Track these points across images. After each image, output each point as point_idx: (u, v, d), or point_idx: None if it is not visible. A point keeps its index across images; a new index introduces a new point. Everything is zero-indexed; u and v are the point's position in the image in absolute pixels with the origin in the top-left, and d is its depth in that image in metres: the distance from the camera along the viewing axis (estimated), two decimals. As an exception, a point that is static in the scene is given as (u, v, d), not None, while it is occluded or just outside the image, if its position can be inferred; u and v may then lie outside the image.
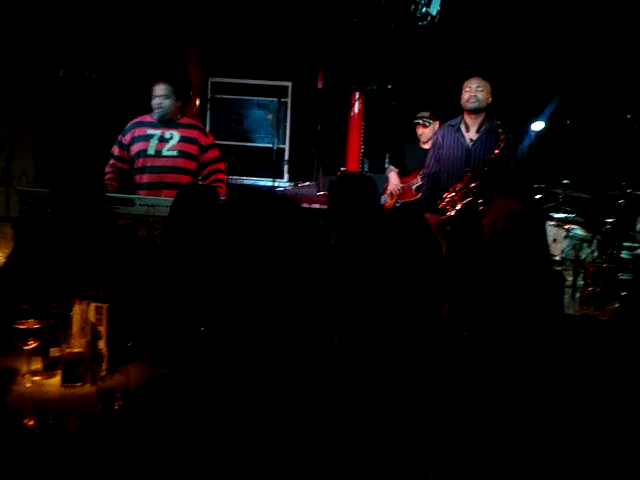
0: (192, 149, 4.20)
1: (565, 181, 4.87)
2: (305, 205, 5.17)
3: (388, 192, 5.30)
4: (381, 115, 6.16)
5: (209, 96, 6.20)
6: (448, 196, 4.16)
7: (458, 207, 4.10)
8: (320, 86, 6.09)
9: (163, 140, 4.17)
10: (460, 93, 4.18)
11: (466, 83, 4.16)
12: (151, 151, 4.16)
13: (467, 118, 4.21)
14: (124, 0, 5.37)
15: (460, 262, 4.16)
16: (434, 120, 5.08)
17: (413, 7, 4.46)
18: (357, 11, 5.22)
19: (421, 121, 5.11)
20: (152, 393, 1.46)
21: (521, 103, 5.86)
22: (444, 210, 4.17)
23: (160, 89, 4.15)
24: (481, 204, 3.94)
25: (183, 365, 1.69)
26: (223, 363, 1.74)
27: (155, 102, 4.15)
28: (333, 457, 1.50)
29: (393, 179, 5.26)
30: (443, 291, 2.14)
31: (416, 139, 5.28)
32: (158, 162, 4.16)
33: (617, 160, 4.81)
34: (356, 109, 6.01)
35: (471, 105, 4.12)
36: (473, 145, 4.16)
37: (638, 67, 5.63)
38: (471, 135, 4.19)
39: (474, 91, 4.09)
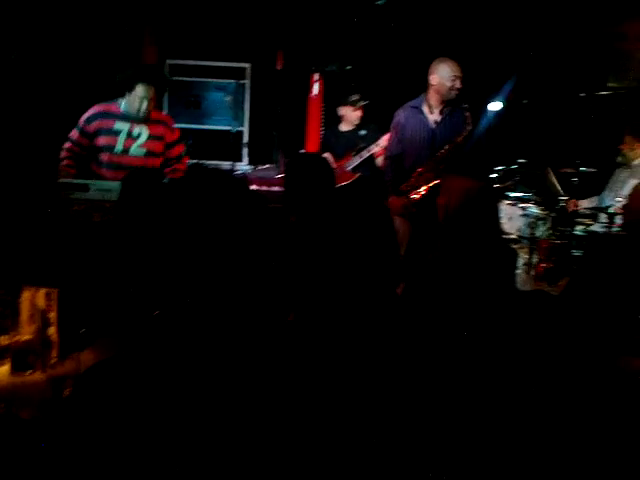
0: (158, 147, 4.17)
1: (521, 160, 4.94)
2: (265, 188, 5.15)
3: None
4: (341, 96, 6.13)
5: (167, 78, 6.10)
6: (413, 178, 4.15)
7: (423, 190, 4.11)
8: (279, 67, 6.04)
9: (131, 137, 4.10)
10: (419, 73, 4.16)
11: (446, 67, 4.05)
12: (119, 147, 4.08)
13: (432, 100, 4.16)
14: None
15: (424, 243, 4.20)
16: (364, 102, 5.16)
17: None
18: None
19: (359, 103, 5.14)
20: (98, 378, 1.45)
21: (479, 83, 5.91)
22: (409, 192, 4.17)
23: (144, 90, 4.04)
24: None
25: (132, 348, 1.68)
26: (176, 344, 1.74)
27: (138, 104, 4.04)
28: (284, 437, 1.52)
29: (328, 160, 5.28)
30: (397, 270, 2.17)
31: (335, 124, 5.35)
32: (125, 160, 4.08)
33: (571, 139, 4.89)
34: (315, 90, 5.98)
35: (452, 96, 4.08)
36: (437, 126, 4.15)
37: (590, 47, 5.72)
38: (434, 116, 4.17)
39: (459, 82, 4.04)
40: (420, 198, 4.13)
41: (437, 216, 3.58)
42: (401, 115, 4.28)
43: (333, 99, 6.09)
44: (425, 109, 4.17)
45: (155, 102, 4.31)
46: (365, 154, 4.97)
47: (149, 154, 4.12)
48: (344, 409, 1.76)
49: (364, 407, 1.80)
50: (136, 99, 4.05)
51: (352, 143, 5.18)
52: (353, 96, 5.22)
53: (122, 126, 4.09)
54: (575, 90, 4.79)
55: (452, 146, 4.04)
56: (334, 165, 5.22)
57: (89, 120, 4.10)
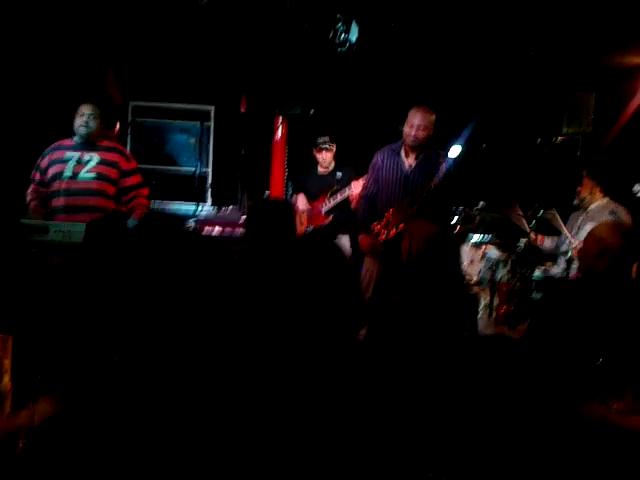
0: (112, 173, 4.13)
1: (481, 203, 5.03)
2: (229, 229, 5.14)
3: (297, 217, 5.32)
4: (305, 138, 6.21)
5: (130, 120, 6.11)
6: (384, 219, 4.23)
7: (393, 232, 4.17)
8: (243, 110, 6.11)
9: (81, 162, 4.09)
10: (385, 116, 4.26)
11: (411, 115, 4.16)
12: (68, 173, 4.06)
13: (406, 145, 4.27)
14: (42, 21, 5.23)
15: (389, 285, 4.23)
16: (333, 143, 5.21)
17: (332, 33, 4.55)
18: (278, 36, 5.27)
19: (325, 145, 5.20)
20: (54, 432, 1.42)
21: (440, 128, 6.05)
22: (379, 233, 4.23)
23: (86, 109, 4.10)
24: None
25: (89, 398, 1.65)
26: (136, 390, 1.71)
27: (80, 121, 4.09)
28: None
29: (301, 203, 5.30)
30: (358, 315, 2.17)
31: (310, 165, 5.37)
32: (75, 185, 4.07)
33: (529, 182, 5.02)
34: (279, 133, 6.07)
35: (409, 143, 4.19)
36: (411, 171, 4.24)
37: (546, 95, 5.93)
38: (410, 161, 4.26)
39: (415, 130, 4.13)
40: (388, 239, 4.18)
41: (401, 259, 3.64)
42: (379, 156, 4.39)
43: (297, 142, 6.17)
44: (402, 153, 4.28)
45: (110, 132, 4.32)
46: (339, 197, 4.99)
47: (100, 178, 4.08)
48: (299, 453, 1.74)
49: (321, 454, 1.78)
50: (80, 119, 4.09)
51: (327, 185, 5.21)
52: (321, 138, 5.26)
53: (72, 154, 4.11)
54: (532, 136, 4.93)
55: (424, 191, 4.10)
56: (308, 206, 5.25)
57: (43, 156, 4.15)
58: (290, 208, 2.92)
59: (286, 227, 2.77)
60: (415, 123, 4.12)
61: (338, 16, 4.60)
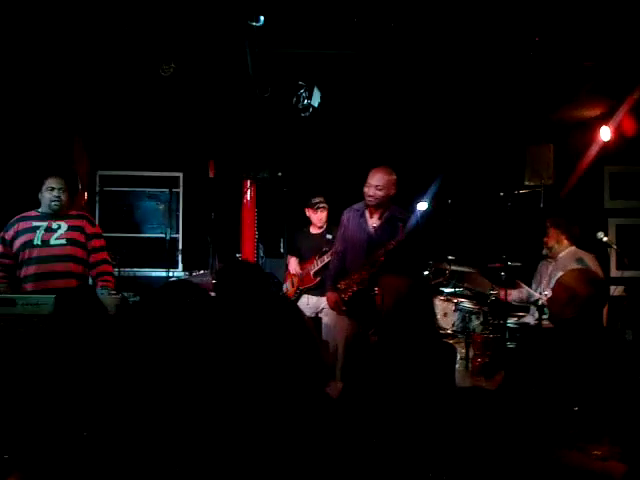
0: (79, 237, 4.19)
1: (450, 257, 5.09)
2: (200, 294, 5.10)
3: (288, 280, 5.38)
4: (274, 201, 6.28)
5: (97, 189, 6.13)
6: (348, 278, 4.29)
7: (354, 290, 4.23)
8: (212, 175, 6.17)
9: (50, 230, 4.12)
10: (351, 176, 4.37)
11: (369, 176, 4.27)
12: (37, 241, 4.08)
13: (368, 206, 4.36)
14: (8, 91, 5.28)
15: (356, 342, 4.23)
16: (326, 204, 5.30)
17: (295, 99, 4.67)
18: (243, 102, 5.39)
19: (322, 204, 5.29)
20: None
21: (407, 184, 6.17)
22: (342, 290, 4.29)
23: (55, 183, 4.15)
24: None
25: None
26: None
27: (51, 196, 4.12)
28: None
29: (292, 266, 5.37)
30: (319, 371, 2.15)
31: (305, 226, 5.44)
32: (45, 252, 4.08)
33: (495, 236, 5.10)
34: (248, 196, 6.12)
35: (368, 202, 4.29)
36: (375, 231, 4.32)
37: (508, 148, 6.11)
38: (374, 221, 4.36)
39: (372, 190, 4.23)
40: (350, 296, 4.24)
41: (373, 314, 3.65)
42: (345, 216, 4.51)
43: (266, 204, 6.23)
44: (366, 213, 4.36)
45: (77, 201, 4.34)
46: (325, 259, 5.03)
47: (70, 243, 4.12)
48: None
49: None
50: (47, 192, 4.12)
51: (318, 245, 5.25)
52: (315, 198, 5.33)
53: (40, 223, 4.13)
54: (496, 190, 5.06)
55: (383, 252, 4.16)
56: (299, 269, 5.28)
57: (7, 227, 4.15)
58: (259, 270, 2.94)
59: (254, 287, 2.77)
60: (372, 183, 4.23)
61: (300, 82, 4.73)
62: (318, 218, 5.33)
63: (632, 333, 4.11)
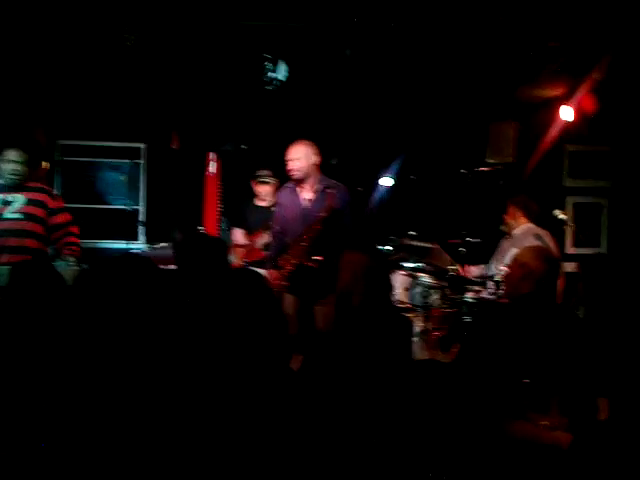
0: (39, 212, 4.08)
1: (412, 232, 5.16)
2: (162, 267, 5.07)
3: (233, 252, 5.30)
4: (237, 174, 6.24)
5: (58, 159, 6.02)
6: (286, 254, 4.31)
7: (293, 263, 4.25)
8: (175, 147, 6.09)
9: (6, 203, 4.04)
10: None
11: (286, 152, 4.35)
12: None
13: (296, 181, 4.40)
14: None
15: (303, 314, 4.28)
16: (274, 178, 5.26)
17: (259, 72, 4.64)
18: (208, 73, 5.33)
19: (266, 179, 5.26)
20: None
21: (371, 160, 6.21)
22: (282, 267, 4.30)
23: (13, 155, 4.06)
24: (315, 260, 4.14)
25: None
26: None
27: (8, 168, 4.04)
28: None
29: (239, 238, 5.31)
30: (284, 347, 2.18)
31: (251, 198, 5.40)
32: (0, 225, 3.99)
33: (457, 212, 5.18)
34: (212, 169, 6.07)
35: (292, 177, 4.34)
36: (309, 204, 4.35)
37: (469, 126, 6.17)
38: (305, 195, 4.38)
39: (291, 164, 4.29)
40: (290, 271, 4.25)
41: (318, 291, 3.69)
42: (279, 194, 4.57)
43: (230, 177, 6.19)
44: (298, 188, 4.39)
45: (37, 172, 4.27)
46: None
47: (27, 218, 4.05)
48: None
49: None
50: (5, 163, 4.04)
51: (265, 219, 5.21)
52: (261, 171, 5.29)
53: None
54: (457, 167, 5.13)
55: (316, 223, 4.21)
56: (245, 241, 5.23)
57: None
58: (218, 243, 2.94)
59: (217, 261, 2.78)
60: (289, 157, 4.31)
61: (265, 55, 4.70)
62: (262, 191, 5.30)
63: (584, 309, 4.24)
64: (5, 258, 3.85)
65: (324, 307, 4.13)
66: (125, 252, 5.69)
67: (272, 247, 4.59)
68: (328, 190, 4.25)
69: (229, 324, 1.98)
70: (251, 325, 1.97)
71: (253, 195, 5.39)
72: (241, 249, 5.25)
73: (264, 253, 5.10)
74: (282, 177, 5.30)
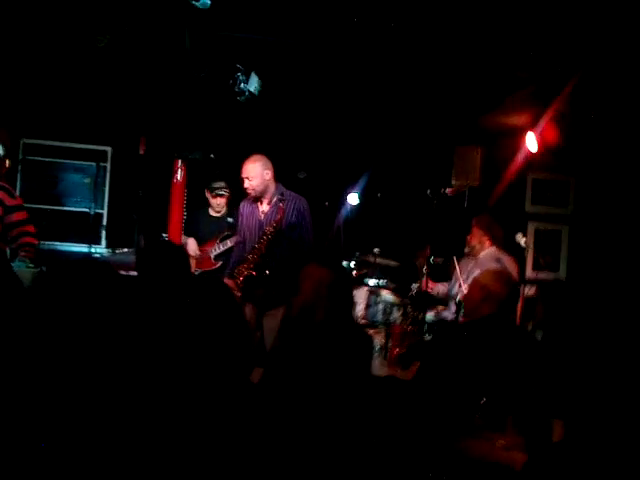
0: None
1: (376, 249, 5.20)
2: (123, 272, 5.01)
3: None
4: (204, 182, 6.20)
5: (20, 157, 5.89)
6: (242, 264, 4.37)
7: (245, 274, 4.30)
8: (142, 152, 6.02)
9: None
10: (284, 162, 4.44)
11: (241, 170, 4.41)
12: None
13: None
14: None
15: (250, 325, 4.28)
16: (228, 189, 5.29)
17: (231, 82, 4.63)
18: (178, 80, 5.30)
19: (221, 192, 5.29)
20: None
21: (338, 177, 6.24)
22: (237, 275, 4.34)
23: None
24: (262, 271, 4.24)
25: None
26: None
27: None
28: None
29: (191, 247, 5.28)
30: (246, 356, 2.17)
31: (205, 208, 5.43)
32: None
33: (421, 232, 5.23)
34: (179, 176, 6.00)
35: (250, 194, 4.42)
36: (265, 216, 4.43)
37: (436, 148, 6.26)
38: (263, 207, 4.47)
39: (247, 183, 4.37)
40: (243, 280, 4.28)
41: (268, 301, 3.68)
42: (241, 206, 4.63)
43: (196, 185, 6.15)
44: (257, 201, 4.47)
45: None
46: (228, 244, 5.03)
47: None
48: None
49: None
50: None
51: (219, 229, 5.19)
52: (216, 183, 5.32)
53: None
54: (423, 187, 5.19)
55: (267, 234, 4.29)
56: (198, 251, 5.20)
57: None
58: (182, 252, 2.92)
59: (179, 269, 2.75)
60: (243, 176, 4.39)
61: (238, 66, 4.71)
62: (216, 203, 5.34)
63: (542, 332, 4.32)
64: None
65: (270, 318, 4.20)
66: (85, 256, 5.60)
67: (233, 256, 4.64)
68: (280, 204, 4.31)
69: (191, 331, 1.97)
70: (214, 332, 1.96)
71: (207, 204, 5.41)
72: (193, 258, 5.20)
73: (216, 263, 5.10)
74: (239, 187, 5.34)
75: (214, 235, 5.19)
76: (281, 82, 5.37)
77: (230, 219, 5.17)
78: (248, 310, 4.30)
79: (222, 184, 5.30)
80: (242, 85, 4.67)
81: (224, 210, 5.32)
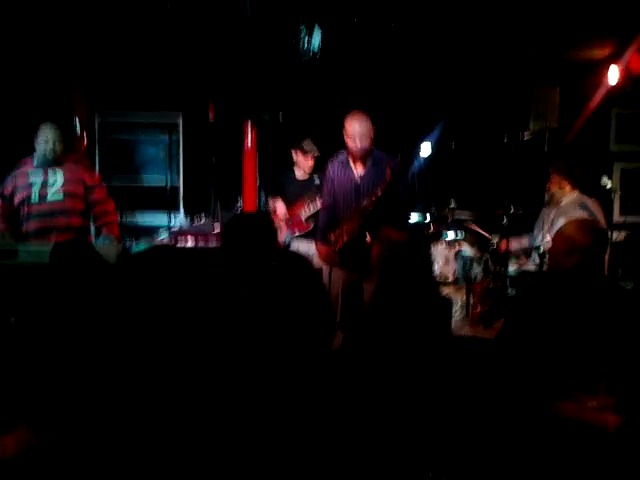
0: (78, 189, 4.14)
1: (452, 203, 5.07)
2: (202, 242, 5.11)
3: (276, 223, 5.22)
4: (275, 145, 6.20)
5: (97, 135, 6.07)
6: (338, 229, 4.23)
7: (344, 240, 4.17)
8: (211, 119, 6.07)
9: (46, 185, 4.10)
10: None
11: (348, 128, 4.10)
12: (35, 198, 4.09)
13: (351, 154, 4.25)
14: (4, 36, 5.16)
15: (351, 292, 4.24)
16: (317, 150, 5.15)
17: (295, 41, 4.56)
18: (243, 43, 5.26)
19: (314, 152, 5.14)
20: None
21: (409, 128, 6.09)
22: (333, 242, 4.23)
23: (50, 133, 4.09)
24: (368, 237, 4.03)
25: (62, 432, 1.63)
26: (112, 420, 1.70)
27: (46, 147, 4.08)
28: None
29: (280, 209, 5.19)
30: (329, 329, 2.17)
31: (291, 169, 5.30)
32: (44, 207, 4.09)
33: (498, 181, 5.06)
34: (249, 140, 6.02)
35: (358, 155, 4.16)
36: (361, 180, 4.23)
37: (512, 90, 5.99)
38: (359, 170, 4.25)
39: (358, 142, 4.07)
40: (342, 247, 4.18)
41: (366, 263, 3.63)
42: (329, 169, 4.39)
43: (267, 148, 6.15)
44: (351, 162, 4.26)
45: (76, 148, 4.33)
46: (318, 205, 4.88)
47: (68, 196, 4.12)
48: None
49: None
50: (41, 141, 4.08)
51: (306, 191, 5.13)
52: (306, 143, 5.17)
53: (35, 178, 4.11)
54: (500, 133, 4.98)
55: (372, 199, 4.10)
56: (287, 214, 5.17)
57: (5, 183, 4.15)
58: (270, 221, 2.89)
59: (267, 240, 2.74)
60: (356, 135, 4.07)
61: (301, 25, 4.61)
62: (307, 164, 5.18)
63: (633, 281, 4.11)
64: (54, 237, 3.92)
65: (373, 283, 4.06)
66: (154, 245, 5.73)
67: (322, 221, 4.48)
68: (386, 165, 4.09)
69: (272, 307, 1.97)
70: (295, 310, 1.96)
71: (291, 164, 5.30)
72: (283, 222, 5.17)
73: (309, 225, 5.04)
74: (322, 148, 5.25)
75: (302, 197, 5.13)
76: (346, 35, 5.24)
77: (317, 181, 5.04)
78: (342, 275, 4.26)
79: (314, 145, 5.15)
80: (307, 45, 4.56)
81: (310, 171, 5.22)
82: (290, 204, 5.19)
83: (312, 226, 4.99)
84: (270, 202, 5.36)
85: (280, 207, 5.20)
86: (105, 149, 6.19)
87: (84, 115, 5.90)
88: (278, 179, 5.40)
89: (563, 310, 2.77)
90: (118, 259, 3.59)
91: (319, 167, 5.04)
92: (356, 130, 4.07)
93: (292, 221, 5.16)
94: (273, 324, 2.04)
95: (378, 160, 4.19)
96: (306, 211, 5.06)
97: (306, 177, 5.23)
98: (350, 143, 4.11)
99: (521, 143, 5.00)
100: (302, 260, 2.15)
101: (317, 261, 4.39)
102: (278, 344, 2.01)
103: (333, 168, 4.34)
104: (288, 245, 5.12)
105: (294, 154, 5.24)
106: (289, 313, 2.03)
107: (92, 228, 4.36)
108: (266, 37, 5.13)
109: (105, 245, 3.95)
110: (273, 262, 2.20)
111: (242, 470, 1.67)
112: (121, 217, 4.82)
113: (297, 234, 5.15)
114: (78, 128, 5.03)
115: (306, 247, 4.84)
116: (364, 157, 4.19)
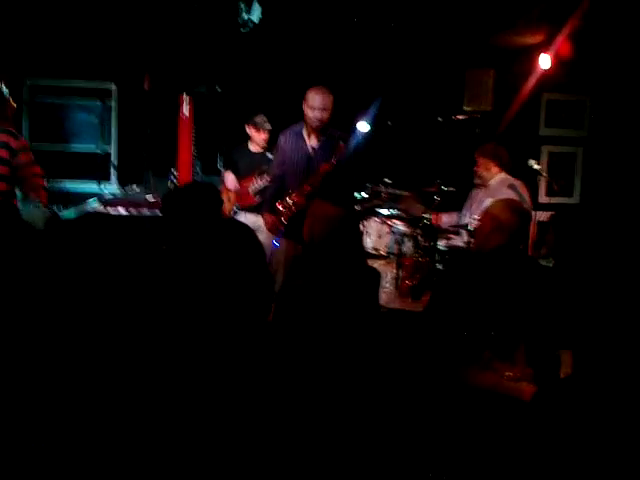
0: (2, 153, 3.99)
1: (387, 180, 5.15)
2: (134, 210, 5.03)
3: (224, 195, 5.26)
4: (211, 117, 6.12)
5: (27, 99, 5.84)
6: (286, 200, 4.27)
7: (292, 211, 4.23)
8: (147, 88, 5.93)
9: None
10: (290, 95, 4.29)
11: (310, 98, 4.16)
12: None
13: (307, 126, 4.30)
14: None
15: (295, 263, 4.29)
16: (270, 125, 5.20)
17: (233, 13, 4.50)
18: (181, 13, 5.15)
19: (268, 126, 5.20)
20: None
21: (347, 105, 6.10)
22: (282, 213, 4.28)
23: None
24: None
25: None
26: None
27: None
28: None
29: (230, 181, 5.28)
30: (265, 299, 2.18)
31: (244, 143, 5.34)
32: None
33: (432, 160, 5.15)
34: (185, 111, 5.94)
35: (315, 126, 4.21)
36: (314, 152, 4.30)
37: (447, 72, 6.09)
38: (312, 142, 4.32)
39: (320, 114, 4.14)
40: (288, 217, 4.24)
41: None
42: (281, 139, 4.43)
43: (204, 120, 6.08)
44: (305, 134, 4.31)
45: (3, 113, 4.17)
46: (266, 179, 4.93)
47: None
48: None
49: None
50: None
51: (259, 164, 5.15)
52: (258, 117, 5.22)
53: None
54: (434, 114, 5.07)
55: (323, 171, 4.15)
56: (237, 185, 5.21)
57: None
58: (215, 192, 2.88)
59: (209, 209, 2.72)
60: (317, 106, 4.15)
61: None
62: (261, 138, 5.25)
63: (554, 260, 4.28)
64: None
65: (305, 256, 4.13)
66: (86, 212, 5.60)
67: (269, 191, 4.54)
68: (339, 141, 4.19)
69: (209, 275, 1.97)
70: (231, 278, 1.96)
71: (245, 139, 5.35)
72: (233, 193, 5.25)
73: (257, 199, 5.08)
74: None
75: (252, 170, 5.15)
76: (286, 10, 5.21)
77: (270, 155, 5.10)
78: (289, 245, 4.30)
79: (265, 118, 5.20)
80: (244, 15, 4.51)
81: (264, 145, 5.26)
82: (242, 177, 5.26)
83: (259, 200, 5.03)
84: (222, 174, 5.47)
85: (230, 179, 5.29)
86: (34, 113, 5.96)
87: (12, 77, 5.66)
88: (232, 152, 5.48)
89: (486, 285, 2.88)
90: (46, 225, 3.50)
91: (272, 142, 5.07)
92: (318, 101, 4.13)
93: (241, 193, 5.20)
94: (209, 292, 2.04)
95: (332, 135, 4.24)
96: (254, 184, 5.09)
97: (260, 151, 5.28)
98: (310, 113, 4.17)
99: (455, 124, 5.10)
100: (244, 229, 2.15)
101: (263, 235, 4.42)
102: (213, 311, 2.01)
103: (286, 138, 4.38)
104: (233, 215, 5.17)
105: (247, 129, 5.30)
106: (225, 281, 2.03)
107: (18, 193, 4.22)
108: (204, 8, 5.05)
109: (32, 210, 3.83)
110: (210, 233, 2.19)
111: (168, 434, 1.68)
112: (49, 183, 4.68)
113: (244, 206, 5.21)
114: (5, 91, 4.82)
115: (253, 219, 4.87)
116: (320, 130, 4.24)
